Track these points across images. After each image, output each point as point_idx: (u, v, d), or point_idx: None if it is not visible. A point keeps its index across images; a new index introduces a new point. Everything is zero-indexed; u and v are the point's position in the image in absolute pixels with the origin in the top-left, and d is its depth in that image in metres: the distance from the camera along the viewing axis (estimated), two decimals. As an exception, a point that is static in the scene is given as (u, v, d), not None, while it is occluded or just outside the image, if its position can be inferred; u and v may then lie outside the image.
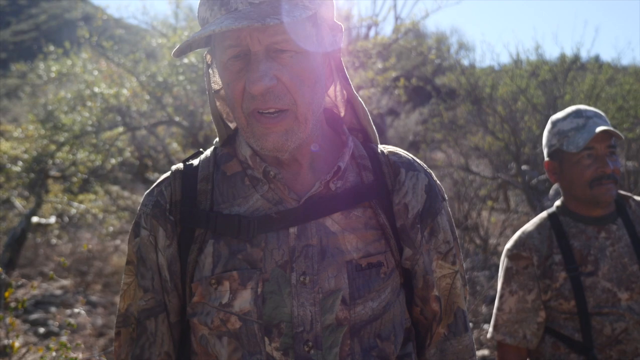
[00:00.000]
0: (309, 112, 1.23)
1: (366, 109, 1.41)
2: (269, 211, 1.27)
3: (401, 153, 1.40)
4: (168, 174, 1.37)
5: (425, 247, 1.35)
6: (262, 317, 1.23)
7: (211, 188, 1.31)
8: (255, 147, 1.24)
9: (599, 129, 2.09)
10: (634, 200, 2.23)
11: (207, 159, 1.36)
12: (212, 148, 1.40)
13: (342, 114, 1.44)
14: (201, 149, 1.42)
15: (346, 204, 1.29)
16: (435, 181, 1.40)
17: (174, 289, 1.31)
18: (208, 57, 1.35)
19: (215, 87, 1.39)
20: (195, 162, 1.37)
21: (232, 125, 1.42)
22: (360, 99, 1.39)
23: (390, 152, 1.40)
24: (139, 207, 1.36)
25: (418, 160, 1.41)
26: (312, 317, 1.23)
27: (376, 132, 1.42)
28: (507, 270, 2.20)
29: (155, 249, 1.31)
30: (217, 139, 1.41)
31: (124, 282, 1.35)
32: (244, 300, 1.23)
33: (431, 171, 1.42)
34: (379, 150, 1.39)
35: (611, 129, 2.09)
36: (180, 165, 1.37)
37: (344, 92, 1.41)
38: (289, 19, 1.14)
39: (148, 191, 1.37)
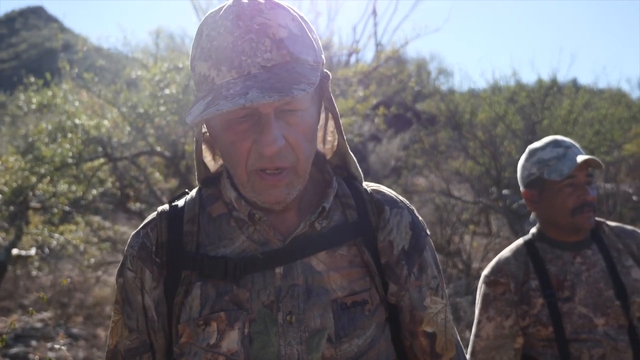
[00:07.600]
0: (308, 165, 1.25)
1: (349, 149, 1.42)
2: (255, 252, 1.28)
3: (384, 191, 1.42)
4: (154, 215, 1.37)
5: (415, 283, 1.36)
6: (250, 357, 1.23)
7: (197, 230, 1.32)
8: (255, 200, 1.25)
9: (581, 157, 2.14)
10: (607, 225, 2.27)
11: (192, 200, 1.37)
12: (197, 189, 1.40)
13: (329, 156, 1.44)
14: (187, 190, 1.42)
15: (331, 243, 1.30)
16: (418, 217, 1.42)
17: (161, 329, 1.32)
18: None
19: (204, 129, 1.37)
20: (181, 203, 1.37)
21: (213, 168, 1.42)
22: (344, 137, 1.40)
23: (373, 189, 1.41)
24: (125, 248, 1.36)
25: (401, 198, 1.43)
26: (299, 355, 1.23)
27: (359, 169, 1.43)
28: (485, 297, 2.22)
29: (141, 290, 1.32)
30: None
31: (112, 319, 1.37)
32: (232, 340, 1.24)
33: (413, 207, 1.44)
34: (362, 189, 1.40)
35: (594, 158, 2.14)
36: (166, 207, 1.37)
37: (334, 131, 1.41)
38: (311, 87, 1.13)
39: (134, 232, 1.37)
